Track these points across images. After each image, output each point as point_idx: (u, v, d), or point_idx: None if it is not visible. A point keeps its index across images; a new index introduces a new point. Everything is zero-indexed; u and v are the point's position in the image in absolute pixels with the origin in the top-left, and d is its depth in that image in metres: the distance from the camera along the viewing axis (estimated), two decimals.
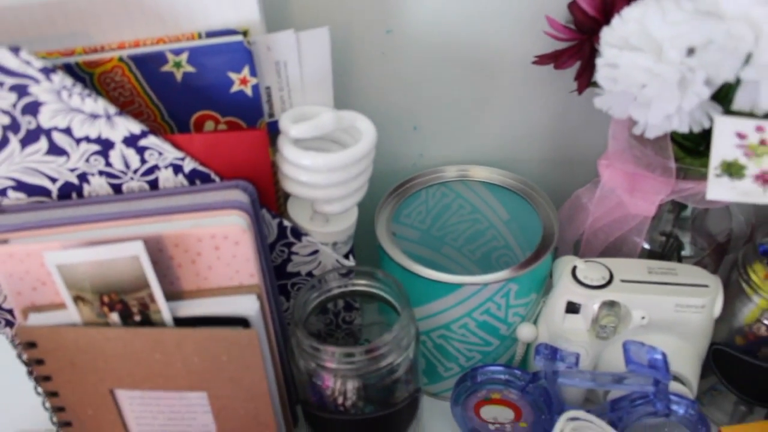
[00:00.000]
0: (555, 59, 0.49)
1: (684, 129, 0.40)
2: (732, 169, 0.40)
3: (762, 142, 0.38)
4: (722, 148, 0.39)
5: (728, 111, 0.39)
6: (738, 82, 0.38)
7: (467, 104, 0.55)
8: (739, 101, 0.38)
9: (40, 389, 0.47)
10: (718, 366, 0.50)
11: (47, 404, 0.46)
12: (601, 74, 0.42)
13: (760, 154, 0.39)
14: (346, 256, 0.50)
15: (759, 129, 0.38)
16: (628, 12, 0.41)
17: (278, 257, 0.48)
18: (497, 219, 0.57)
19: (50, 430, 0.55)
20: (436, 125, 0.56)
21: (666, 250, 0.52)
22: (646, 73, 0.39)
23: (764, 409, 0.51)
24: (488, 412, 0.51)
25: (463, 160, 0.56)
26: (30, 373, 0.47)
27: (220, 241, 0.41)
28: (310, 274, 0.49)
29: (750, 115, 0.39)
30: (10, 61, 0.38)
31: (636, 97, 0.41)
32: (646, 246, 0.51)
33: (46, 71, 0.38)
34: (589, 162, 0.51)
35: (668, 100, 0.39)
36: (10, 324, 0.50)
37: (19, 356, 0.51)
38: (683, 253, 0.51)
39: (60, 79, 0.38)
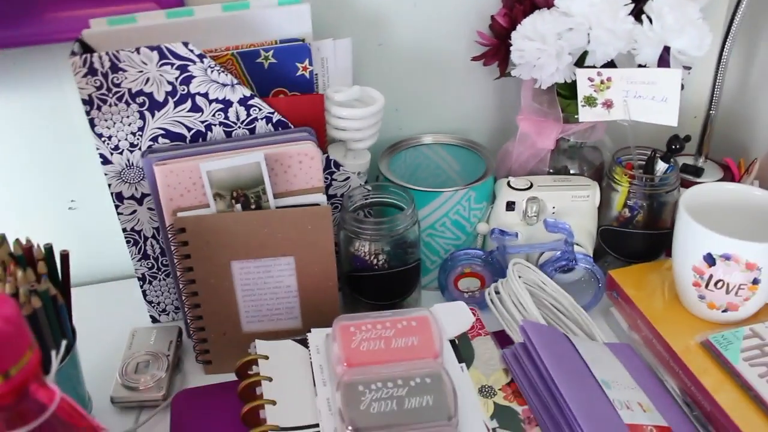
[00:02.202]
0: (483, 58, 0.87)
1: (561, 80, 0.79)
2: (589, 101, 0.79)
3: (602, 82, 0.77)
4: (582, 88, 0.78)
5: (584, 67, 0.78)
6: (586, 52, 0.78)
7: (432, 92, 0.93)
8: (588, 61, 0.78)
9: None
10: (604, 240, 0.87)
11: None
12: (514, 56, 0.80)
13: (603, 90, 0.78)
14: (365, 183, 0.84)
15: (599, 74, 0.77)
16: (525, 21, 0.80)
17: (324, 182, 0.81)
18: (452, 171, 0.94)
19: (159, 325, 0.84)
20: (411, 107, 0.93)
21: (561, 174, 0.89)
22: (538, 51, 0.78)
23: None
24: (463, 284, 0.85)
25: (430, 131, 0.93)
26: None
27: (302, 157, 0.74)
28: (342, 195, 0.83)
29: (594, 67, 0.78)
30: (181, 50, 0.71)
31: (534, 65, 0.79)
32: (551, 171, 0.89)
33: (201, 56, 0.72)
34: (515, 126, 0.89)
35: (551, 65, 0.78)
36: (135, 243, 0.80)
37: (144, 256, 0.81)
38: (571, 174, 0.90)
39: (208, 61, 0.72)
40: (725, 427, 0.66)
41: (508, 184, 0.84)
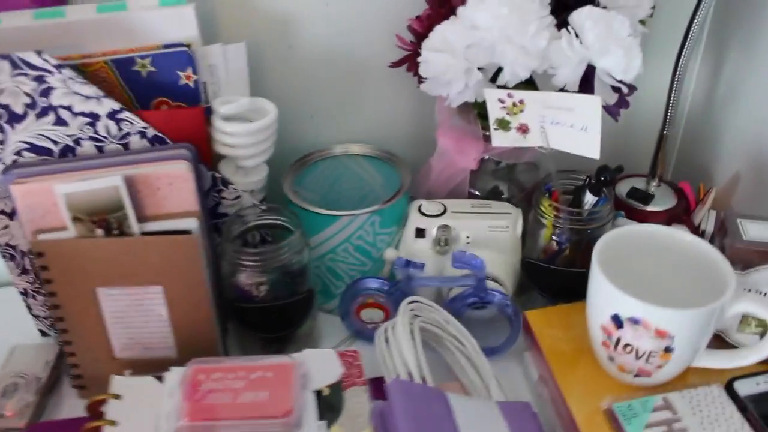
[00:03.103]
0: (404, 63, 0.78)
1: (472, 99, 0.70)
2: (502, 125, 0.70)
3: (514, 105, 0.68)
4: (493, 110, 0.69)
5: (496, 87, 0.69)
6: (500, 69, 0.68)
7: (349, 99, 0.85)
8: (500, 80, 0.68)
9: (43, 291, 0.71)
10: (527, 273, 0.79)
11: (48, 303, 0.71)
12: (421, 68, 0.71)
13: (516, 113, 0.69)
14: (261, 203, 0.77)
15: (510, 96, 0.68)
16: (436, 29, 0.71)
17: (212, 201, 0.75)
18: (376, 184, 0.86)
19: (41, 343, 0.80)
20: (328, 114, 0.85)
21: (489, 197, 0.81)
22: (445, 65, 0.69)
23: None
24: (366, 314, 0.78)
25: (349, 140, 0.85)
26: (37, 281, 0.71)
27: (173, 179, 0.68)
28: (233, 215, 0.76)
29: (505, 88, 0.68)
30: (35, 60, 0.65)
31: (442, 81, 0.70)
32: (477, 194, 0.80)
33: (59, 66, 0.66)
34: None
35: (460, 81, 0.69)
36: (12, 258, 0.76)
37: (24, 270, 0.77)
38: (503, 197, 0.81)
39: (67, 72, 0.66)
40: None
41: (419, 208, 0.76)
